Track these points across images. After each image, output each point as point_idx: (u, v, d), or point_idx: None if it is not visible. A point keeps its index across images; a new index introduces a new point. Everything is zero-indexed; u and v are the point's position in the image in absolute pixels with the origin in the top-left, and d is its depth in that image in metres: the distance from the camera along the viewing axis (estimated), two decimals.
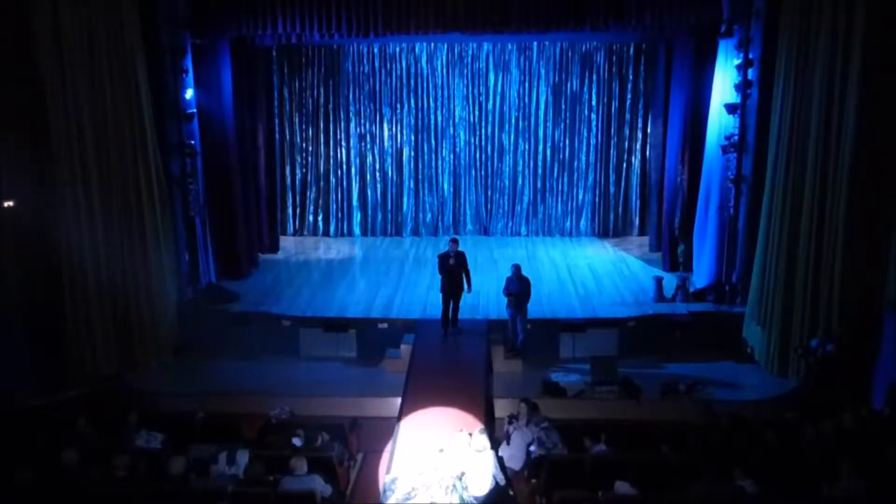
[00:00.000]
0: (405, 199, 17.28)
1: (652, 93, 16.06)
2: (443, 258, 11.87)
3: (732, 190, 12.54)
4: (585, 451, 8.35)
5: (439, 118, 16.94)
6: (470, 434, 8.14)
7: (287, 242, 16.80)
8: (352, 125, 16.95)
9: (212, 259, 13.78)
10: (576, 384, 11.04)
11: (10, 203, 10.57)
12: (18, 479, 7.20)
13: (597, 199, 17.08)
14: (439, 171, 17.19)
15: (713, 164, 12.96)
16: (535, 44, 16.33)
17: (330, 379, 11.53)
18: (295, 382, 11.33)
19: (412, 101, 16.87)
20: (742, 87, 12.09)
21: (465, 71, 16.72)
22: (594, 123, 16.75)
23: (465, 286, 11.68)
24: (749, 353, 11.88)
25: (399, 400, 10.15)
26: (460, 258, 11.83)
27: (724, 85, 12.53)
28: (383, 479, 8.18)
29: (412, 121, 16.95)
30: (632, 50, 16.37)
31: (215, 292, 13.36)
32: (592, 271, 14.84)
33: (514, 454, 8.66)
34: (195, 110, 12.97)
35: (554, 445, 8.53)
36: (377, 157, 17.12)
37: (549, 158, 16.99)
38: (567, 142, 16.88)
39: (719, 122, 12.70)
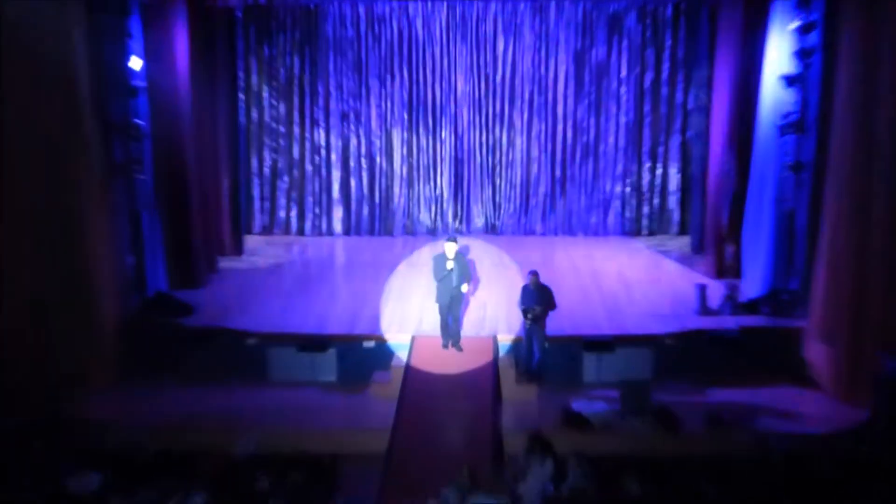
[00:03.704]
0: (396, 192, 17.39)
1: (693, 62, 16.18)
2: (438, 261, 11.91)
3: (791, 179, 12.62)
4: (615, 492, 8.35)
5: (438, 93, 17.05)
6: (473, 475, 8.14)
7: (254, 243, 16.89)
8: (332, 101, 17.05)
9: (162, 263, 13.82)
10: (602, 414, 11.08)
11: None
12: None
13: (627, 191, 17.18)
14: (437, 156, 17.32)
15: (768, 149, 13.06)
16: (552, 2, 16.48)
17: (304, 408, 11.51)
18: (262, 412, 11.32)
19: (405, 73, 16.94)
20: (802, 54, 12.14)
21: (469, 36, 16.83)
22: (624, 99, 16.85)
23: (463, 286, 11.86)
24: (811, 376, 11.89)
25: (388, 434, 10.19)
26: (460, 260, 11.90)
27: (780, 53, 12.61)
28: None
29: (405, 96, 17.03)
30: (669, 10, 16.50)
31: (166, 304, 13.38)
32: (622, 278, 14.88)
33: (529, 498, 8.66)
34: (143, 83, 13.00)
35: (578, 485, 8.50)
36: (363, 141, 17.23)
37: (570, 141, 17.10)
38: (592, 121, 16.99)
39: (775, 97, 12.82)
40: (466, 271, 12.15)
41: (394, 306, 13.59)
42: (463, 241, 15.54)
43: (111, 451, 9.60)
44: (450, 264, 11.83)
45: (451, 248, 11.89)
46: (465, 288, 12.03)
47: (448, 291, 11.89)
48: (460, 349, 12.11)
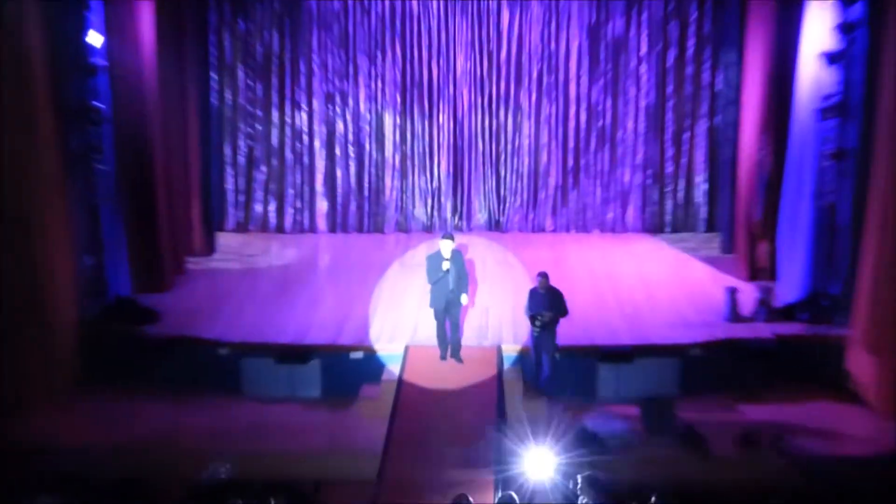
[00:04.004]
0: (388, 183, 17.35)
1: (722, 38, 16.20)
2: (433, 262, 11.93)
3: (833, 169, 12.60)
4: None
5: (434, 72, 17.00)
6: None
7: (227, 241, 16.87)
8: (316, 82, 16.99)
9: (124, 264, 13.81)
10: (620, 434, 11.05)
11: None
12: None
13: (649, 182, 17.12)
14: (434, 144, 17.26)
15: (806, 135, 13.04)
16: None
17: (283, 427, 11.51)
18: (236, 431, 11.32)
19: (397, 49, 16.91)
20: (845, 28, 12.12)
21: (470, 7, 16.82)
22: (644, 79, 16.82)
23: (463, 297, 11.95)
24: (855, 390, 11.90)
25: (378, 457, 10.18)
26: (457, 261, 11.93)
27: (819, 26, 12.60)
28: None
29: (397, 75, 16.98)
30: None
31: (128, 309, 13.36)
32: (642, 280, 14.91)
33: None
34: (102, 61, 12.98)
35: None
36: (350, 126, 17.17)
37: (583, 127, 17.06)
38: (608, 104, 16.95)
39: (814, 76, 12.80)
40: (465, 274, 12.20)
41: (385, 312, 13.59)
42: (463, 238, 15.67)
43: (67, 474, 9.39)
44: (446, 265, 11.84)
45: (446, 247, 11.89)
46: (464, 300, 12.16)
47: (444, 295, 11.93)
48: (460, 360, 12.15)
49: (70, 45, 12.47)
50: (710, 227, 16.95)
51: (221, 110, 16.95)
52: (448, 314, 12.06)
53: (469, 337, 12.52)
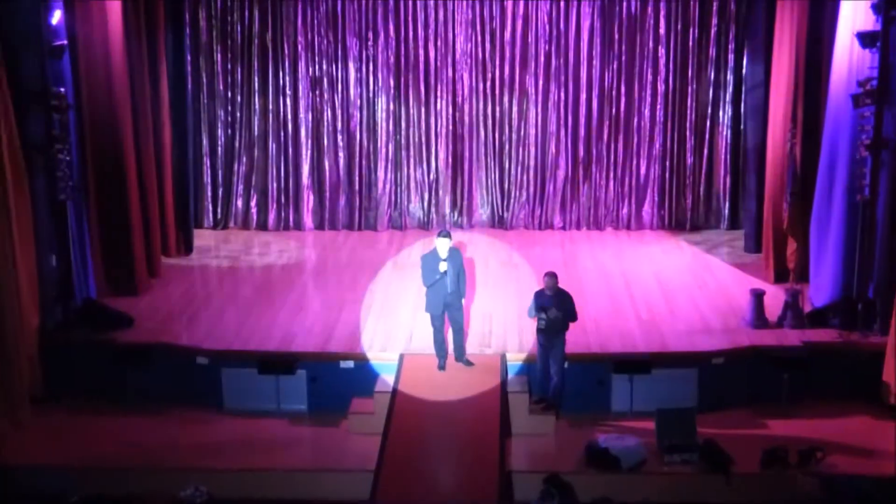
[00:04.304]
0: (381, 176, 17.35)
1: (748, 16, 16.17)
2: (428, 262, 11.94)
3: (868, 161, 12.52)
4: None
5: (432, 54, 16.98)
6: None
7: (204, 240, 16.88)
8: (301, 65, 16.99)
9: (91, 265, 13.74)
10: (635, 451, 11.04)
11: None
12: None
13: (667, 175, 17.15)
14: (432, 132, 17.24)
15: (840, 123, 12.93)
16: None
17: (267, 443, 11.51)
18: (215, 449, 11.33)
19: (391, 29, 16.87)
20: (883, 6, 12.08)
21: None
22: (663, 62, 16.80)
23: (458, 297, 11.92)
24: (891, 403, 11.85)
25: (370, 477, 10.20)
26: (455, 261, 11.92)
27: (855, 4, 12.50)
28: None
29: (391, 58, 16.96)
30: None
31: (97, 314, 13.31)
32: (660, 282, 14.89)
33: None
34: (65, 42, 12.86)
35: None
36: (339, 113, 17.15)
37: (595, 114, 17.04)
38: (623, 89, 16.92)
39: (848, 59, 12.66)
40: (464, 275, 12.18)
41: (378, 317, 13.56)
42: (463, 236, 15.81)
43: (30, 496, 9.69)
44: (443, 266, 11.81)
45: (443, 246, 11.86)
46: (460, 295, 12.12)
47: (441, 299, 11.89)
48: (469, 364, 12.16)
49: (29, 24, 12.35)
50: (734, 223, 16.96)
51: (198, 96, 16.90)
52: (452, 318, 12.05)
53: (470, 344, 12.49)
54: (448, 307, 11.98)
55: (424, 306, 12.12)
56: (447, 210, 17.51)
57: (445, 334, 12.20)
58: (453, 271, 11.86)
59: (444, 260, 11.82)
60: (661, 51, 16.80)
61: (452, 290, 11.89)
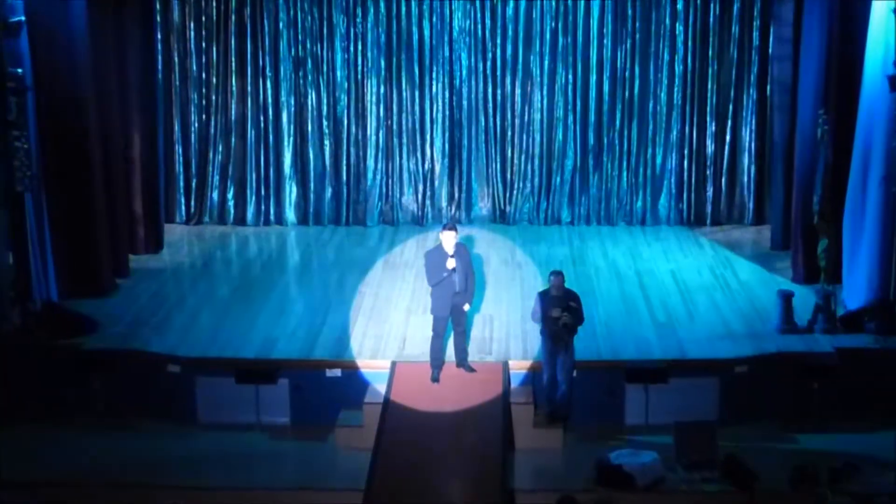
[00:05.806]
0: (371, 166, 17.32)
1: None
2: (434, 259, 11.86)
3: None
4: None
5: (427, 33, 16.97)
6: None
7: (176, 236, 16.93)
8: (283, 44, 16.97)
9: (52, 264, 13.62)
10: (650, 468, 10.96)
11: None
12: None
13: (686, 166, 17.15)
14: (427, 118, 17.24)
15: (875, 110, 12.87)
16: None
17: (246, 459, 11.57)
18: (189, 465, 11.36)
19: (381, 5, 16.89)
20: None
21: None
22: (680, 40, 16.79)
23: (465, 298, 11.97)
24: None
25: (360, 496, 10.22)
26: (463, 257, 11.90)
27: None
28: None
29: (381, 37, 16.96)
30: None
31: (58, 318, 13.28)
32: (679, 282, 14.85)
33: None
34: (22, 18, 12.86)
35: None
36: (325, 98, 17.15)
37: (606, 99, 17.03)
38: (637, 71, 16.91)
39: (885, 40, 12.62)
40: (472, 272, 12.06)
41: (368, 321, 13.53)
42: (462, 232, 15.50)
43: None
44: (451, 263, 11.70)
45: (449, 240, 11.76)
46: (466, 307, 12.11)
47: (449, 300, 11.81)
48: (471, 370, 12.08)
49: None
50: (759, 218, 17.02)
51: (169, 78, 16.97)
52: (454, 320, 12.01)
53: (470, 351, 12.37)
54: (455, 309, 11.95)
55: (430, 308, 12.02)
56: (444, 203, 17.54)
57: (445, 340, 12.26)
58: (461, 269, 11.79)
59: (452, 256, 11.75)
60: (679, 28, 16.83)
61: (460, 289, 11.85)
